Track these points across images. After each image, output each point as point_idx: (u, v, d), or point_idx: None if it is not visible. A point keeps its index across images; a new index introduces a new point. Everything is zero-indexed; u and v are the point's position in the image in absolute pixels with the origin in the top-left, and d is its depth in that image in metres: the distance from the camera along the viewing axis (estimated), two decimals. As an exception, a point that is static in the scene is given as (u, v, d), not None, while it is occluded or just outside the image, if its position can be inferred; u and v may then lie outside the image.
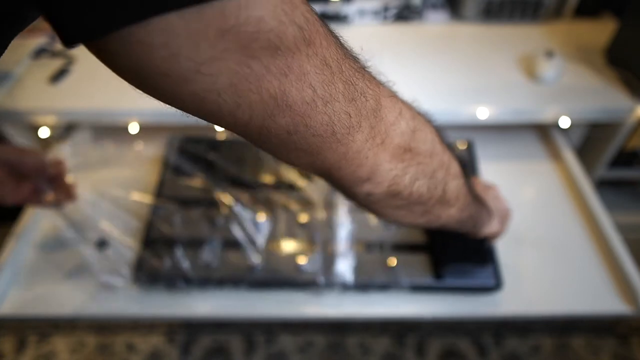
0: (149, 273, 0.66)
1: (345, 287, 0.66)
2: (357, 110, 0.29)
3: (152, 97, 0.25)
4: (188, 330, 1.07)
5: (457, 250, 0.66)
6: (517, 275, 0.69)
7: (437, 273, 0.67)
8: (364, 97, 0.29)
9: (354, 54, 0.29)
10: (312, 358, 1.03)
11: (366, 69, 0.30)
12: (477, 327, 1.06)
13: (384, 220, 0.43)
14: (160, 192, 0.76)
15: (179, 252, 0.68)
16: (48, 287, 0.69)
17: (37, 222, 0.76)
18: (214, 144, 0.82)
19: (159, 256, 0.67)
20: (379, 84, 0.32)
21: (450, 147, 0.40)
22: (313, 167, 0.32)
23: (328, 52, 0.26)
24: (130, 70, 0.22)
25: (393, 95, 0.33)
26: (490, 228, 0.57)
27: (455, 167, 0.41)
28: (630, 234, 0.81)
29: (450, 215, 0.44)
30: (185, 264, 0.67)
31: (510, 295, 0.68)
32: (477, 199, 0.50)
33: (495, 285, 0.66)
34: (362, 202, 0.37)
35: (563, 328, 1.05)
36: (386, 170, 0.33)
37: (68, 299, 0.68)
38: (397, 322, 1.06)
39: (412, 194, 0.36)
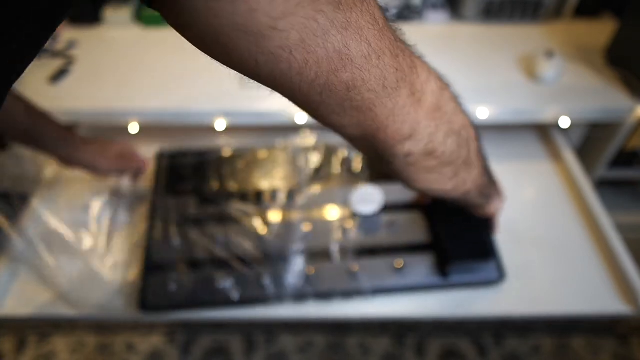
0: (153, 302, 0.64)
1: (356, 293, 0.66)
2: (400, 66, 0.31)
3: (223, 63, 0.26)
4: (188, 330, 1.07)
5: (461, 247, 0.66)
6: (517, 275, 0.69)
7: (443, 271, 0.67)
8: (403, 53, 0.31)
9: (388, 16, 0.31)
10: (312, 358, 1.03)
11: (399, 31, 0.32)
12: (477, 327, 1.06)
13: (415, 188, 0.43)
14: (155, 213, 0.74)
15: (182, 276, 0.66)
16: (48, 287, 0.69)
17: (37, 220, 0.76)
18: (201, 156, 0.81)
19: (162, 282, 0.66)
20: (409, 45, 0.34)
21: (466, 112, 0.42)
22: (361, 128, 0.33)
23: (375, 9, 0.28)
24: (208, 28, 0.23)
25: (420, 57, 0.35)
26: (496, 203, 0.59)
27: (473, 129, 0.43)
28: (630, 234, 0.81)
29: (473, 178, 0.46)
30: (189, 287, 0.65)
31: (511, 295, 0.68)
32: (488, 167, 0.52)
33: (498, 278, 0.67)
34: (400, 164, 0.38)
35: (563, 328, 1.05)
36: (424, 127, 0.35)
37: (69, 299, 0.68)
38: (398, 322, 1.06)
39: (444, 152, 0.38)
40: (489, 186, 0.53)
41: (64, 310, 0.67)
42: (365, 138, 0.35)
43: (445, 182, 0.43)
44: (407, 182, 0.42)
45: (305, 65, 0.26)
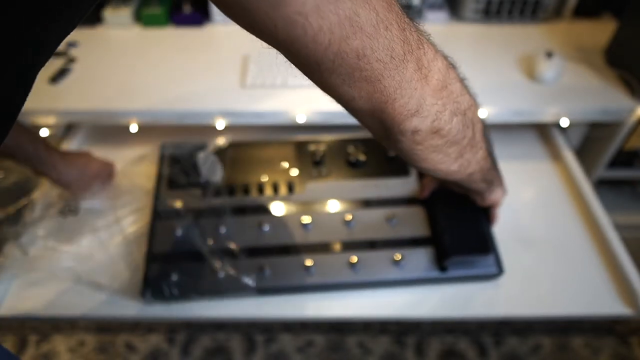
0: (156, 289, 0.65)
1: (355, 286, 0.67)
2: (407, 39, 0.33)
3: (244, 26, 0.29)
4: (188, 330, 1.07)
5: (459, 241, 0.66)
6: (517, 275, 0.69)
7: (441, 265, 0.67)
8: (410, 28, 0.33)
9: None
10: (312, 358, 1.03)
11: (407, 10, 0.34)
12: (477, 327, 1.06)
13: (422, 169, 0.45)
14: (158, 205, 0.74)
15: (184, 266, 0.67)
16: (48, 288, 0.69)
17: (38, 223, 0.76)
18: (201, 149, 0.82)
19: (165, 272, 0.66)
20: (417, 24, 0.35)
21: (471, 93, 0.43)
22: (371, 101, 0.34)
23: None
24: None
25: (428, 37, 0.37)
26: (497, 193, 0.60)
27: (478, 112, 0.44)
28: (630, 234, 0.81)
29: (478, 160, 0.47)
30: (191, 277, 0.66)
31: (510, 295, 0.68)
32: (491, 151, 0.53)
33: (497, 272, 0.67)
34: (407, 142, 0.39)
35: (563, 328, 1.05)
36: (430, 104, 0.36)
37: (69, 299, 0.68)
38: (398, 322, 1.06)
39: (450, 131, 0.40)
40: (492, 171, 0.54)
41: (63, 311, 0.67)
42: (374, 113, 0.36)
43: (450, 163, 0.44)
44: (414, 162, 0.43)
45: (320, 31, 0.28)
